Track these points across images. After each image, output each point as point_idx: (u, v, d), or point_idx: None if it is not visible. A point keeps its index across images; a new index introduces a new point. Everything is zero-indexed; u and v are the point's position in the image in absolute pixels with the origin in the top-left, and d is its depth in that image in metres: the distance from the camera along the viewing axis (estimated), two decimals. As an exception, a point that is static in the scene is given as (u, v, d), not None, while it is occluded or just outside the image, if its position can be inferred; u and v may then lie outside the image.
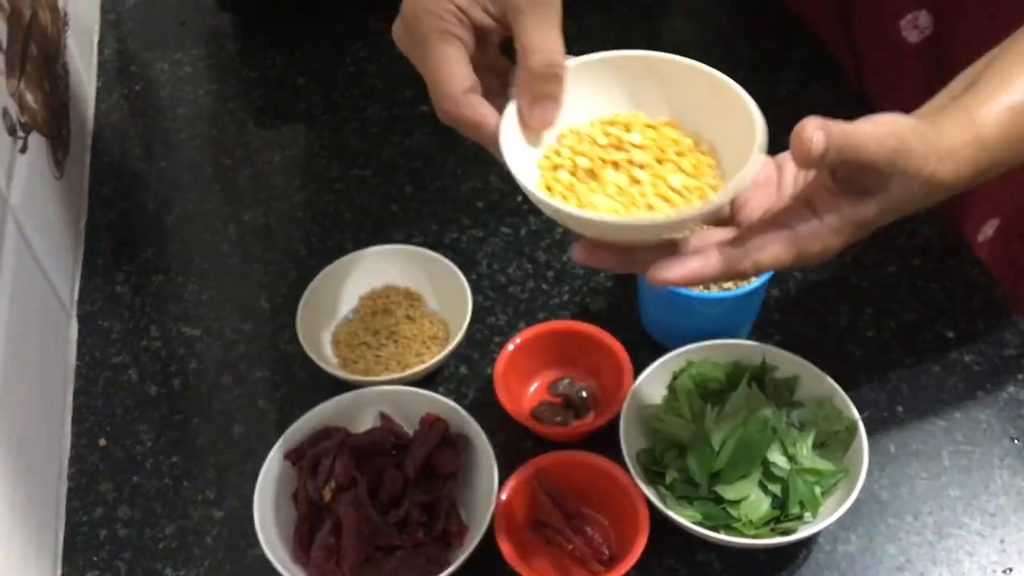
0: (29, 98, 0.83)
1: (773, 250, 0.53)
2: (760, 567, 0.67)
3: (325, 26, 1.10)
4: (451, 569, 0.64)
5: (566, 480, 0.69)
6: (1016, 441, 0.73)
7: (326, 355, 0.79)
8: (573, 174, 0.55)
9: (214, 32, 1.12)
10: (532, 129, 0.56)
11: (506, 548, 0.65)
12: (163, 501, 0.73)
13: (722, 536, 0.65)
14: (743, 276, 0.54)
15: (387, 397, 0.73)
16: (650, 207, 0.53)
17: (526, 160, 0.56)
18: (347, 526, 0.66)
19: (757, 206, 0.56)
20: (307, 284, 0.80)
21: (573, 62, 0.57)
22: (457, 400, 0.77)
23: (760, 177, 0.57)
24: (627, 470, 0.67)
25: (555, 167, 0.56)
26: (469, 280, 0.80)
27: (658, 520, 0.65)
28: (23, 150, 0.80)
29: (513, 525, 0.67)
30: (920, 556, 0.67)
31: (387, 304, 0.82)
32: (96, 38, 1.12)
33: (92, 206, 0.94)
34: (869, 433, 0.68)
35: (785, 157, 0.57)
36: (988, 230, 0.90)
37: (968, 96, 0.55)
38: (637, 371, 0.72)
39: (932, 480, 0.71)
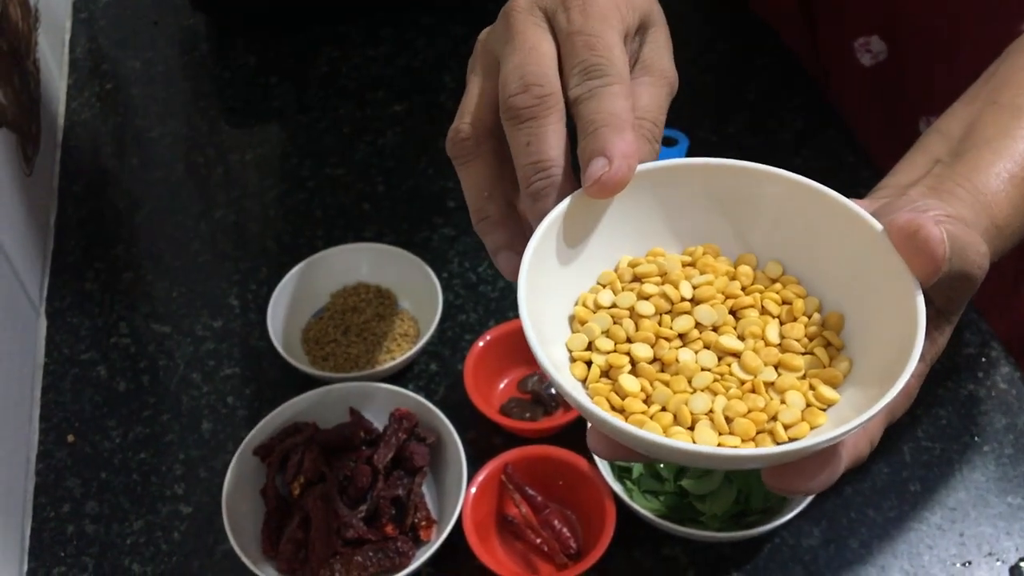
0: (-1, 94, 0.82)
1: (876, 421, 0.41)
2: (725, 561, 0.68)
3: (298, 26, 1.10)
4: (419, 563, 0.65)
5: (534, 474, 0.69)
6: (976, 438, 0.74)
7: (296, 352, 0.79)
8: (636, 373, 0.39)
9: (187, 32, 1.12)
10: (604, 184, 0.41)
11: (474, 542, 0.65)
12: (131, 497, 0.73)
13: (687, 530, 0.65)
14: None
15: (357, 392, 0.74)
16: (771, 387, 0.39)
17: (558, 328, 0.41)
18: (315, 520, 0.67)
19: None
20: (278, 281, 0.80)
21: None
22: (427, 397, 0.77)
23: None
24: (595, 465, 0.68)
25: (608, 369, 0.40)
26: (440, 278, 0.81)
27: (624, 514, 0.66)
28: (-8, 145, 0.79)
29: (481, 519, 0.68)
30: (881, 549, 0.68)
31: (358, 302, 0.83)
32: (68, 36, 1.12)
33: (62, 203, 0.94)
34: (832, 429, 0.69)
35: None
36: None
37: (966, 167, 0.47)
38: (605, 368, 0.73)
39: (893, 475, 0.72)
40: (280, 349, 0.77)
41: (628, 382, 0.39)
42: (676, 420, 0.38)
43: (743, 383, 0.39)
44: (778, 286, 0.42)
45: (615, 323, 0.41)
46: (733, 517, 0.67)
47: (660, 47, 0.48)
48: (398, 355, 0.78)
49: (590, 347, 0.41)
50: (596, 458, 0.68)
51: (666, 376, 0.39)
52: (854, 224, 0.40)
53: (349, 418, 0.73)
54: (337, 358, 0.79)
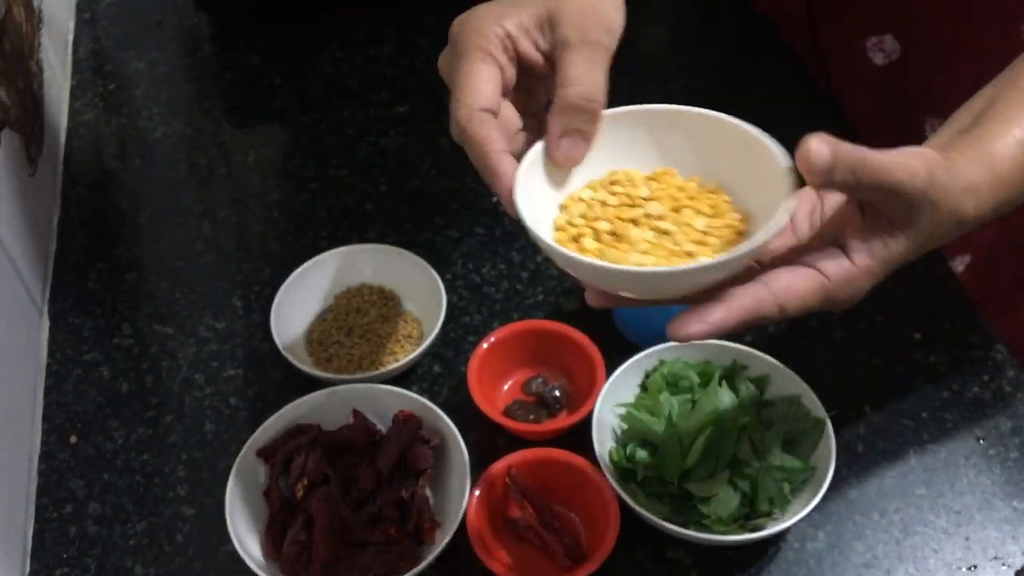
0: (2, 94, 0.82)
1: (800, 292, 0.50)
2: (729, 564, 0.68)
3: (301, 27, 1.10)
4: (422, 566, 0.64)
5: (538, 477, 0.69)
6: (981, 441, 0.74)
7: (300, 353, 0.79)
8: (598, 240, 0.53)
9: (190, 32, 1.11)
10: (557, 164, 0.54)
11: (478, 545, 0.65)
12: (134, 498, 0.73)
13: (692, 532, 0.65)
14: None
15: (360, 395, 0.74)
16: (690, 255, 0.51)
17: (543, 216, 0.54)
18: (319, 522, 0.66)
19: (774, 248, 0.53)
20: (281, 282, 0.80)
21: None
22: (431, 398, 0.77)
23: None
24: (599, 467, 0.67)
25: (577, 236, 0.53)
26: (444, 280, 0.80)
27: (628, 517, 0.66)
28: (-5, 146, 0.79)
29: (486, 522, 0.67)
30: (887, 553, 0.68)
31: (361, 303, 0.83)
32: (71, 37, 1.12)
33: (65, 203, 0.94)
34: (837, 432, 0.68)
35: (799, 194, 0.53)
36: (959, 265, 0.91)
37: (979, 130, 0.54)
38: (610, 370, 0.73)
39: (899, 479, 0.72)
40: (283, 350, 0.77)
41: (588, 243, 0.53)
42: None
43: (672, 252, 0.52)
44: (711, 195, 0.55)
45: (588, 208, 0.55)
46: (737, 520, 0.67)
47: (570, 22, 0.54)
48: (402, 357, 0.78)
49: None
50: (600, 462, 0.68)
51: (616, 243, 0.53)
52: (763, 151, 0.54)
53: (352, 420, 0.73)
54: (340, 360, 0.79)
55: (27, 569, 0.70)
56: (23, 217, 0.84)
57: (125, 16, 1.14)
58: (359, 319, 0.81)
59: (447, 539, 0.65)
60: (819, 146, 0.48)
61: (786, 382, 0.71)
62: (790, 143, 0.95)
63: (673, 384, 0.72)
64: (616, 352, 0.75)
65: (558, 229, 0.54)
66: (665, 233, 0.53)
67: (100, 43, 1.11)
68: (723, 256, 0.49)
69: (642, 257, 0.51)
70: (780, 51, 1.04)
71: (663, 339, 0.74)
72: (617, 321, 0.81)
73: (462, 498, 0.67)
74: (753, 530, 0.66)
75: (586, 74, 0.53)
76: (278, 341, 0.77)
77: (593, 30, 0.53)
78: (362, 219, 0.91)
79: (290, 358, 0.76)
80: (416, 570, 0.64)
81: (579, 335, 0.76)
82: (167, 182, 0.96)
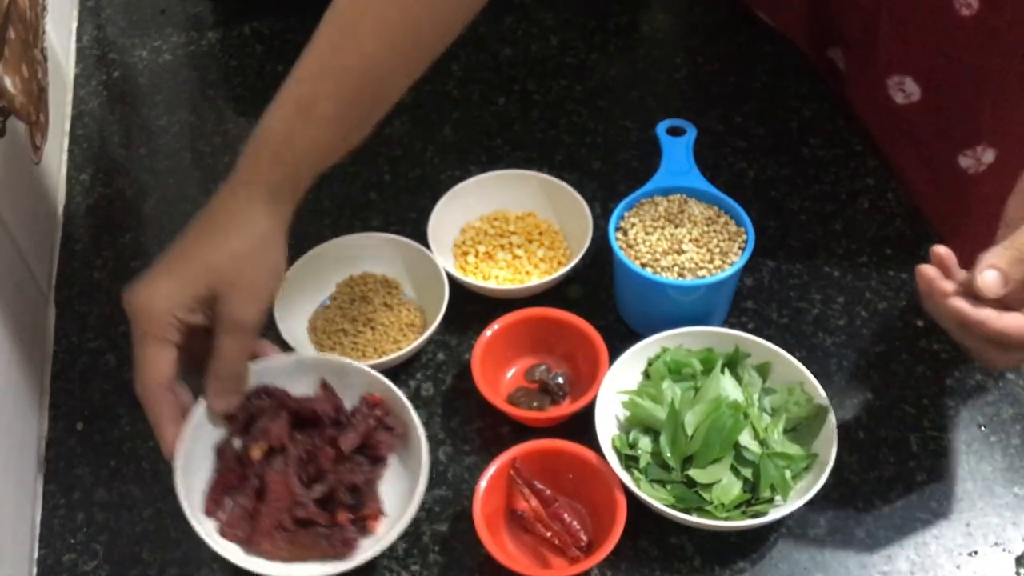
0: (7, 82, 0.82)
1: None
2: (731, 549, 0.68)
3: (305, 15, 1.10)
4: (364, 556, 0.64)
5: (543, 469, 0.70)
6: (983, 428, 0.74)
7: (303, 342, 0.80)
8: (477, 256, 0.84)
9: (194, 20, 1.11)
10: (216, 412, 0.67)
11: (485, 536, 0.65)
12: (140, 485, 0.74)
13: (694, 519, 0.66)
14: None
15: (330, 366, 0.72)
16: (528, 274, 0.83)
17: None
18: (273, 492, 0.66)
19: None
20: (285, 271, 0.80)
21: (480, 178, 0.87)
22: (434, 386, 0.78)
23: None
24: (602, 454, 0.68)
25: (465, 252, 0.85)
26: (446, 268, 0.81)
27: (631, 504, 0.66)
28: (1, 134, 0.79)
29: (491, 514, 0.68)
30: (887, 539, 0.69)
31: (364, 291, 0.83)
32: (75, 24, 1.12)
33: (70, 192, 0.94)
34: (839, 419, 0.69)
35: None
36: None
37: None
38: (612, 357, 0.73)
39: (900, 465, 0.72)
40: (287, 338, 0.77)
41: (470, 259, 0.83)
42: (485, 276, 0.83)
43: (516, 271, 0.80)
44: (554, 233, 0.84)
45: (476, 234, 0.85)
46: (739, 506, 0.67)
47: (232, 301, 0.64)
48: (405, 345, 0.78)
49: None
50: (603, 449, 0.68)
51: (488, 259, 0.83)
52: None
53: (320, 392, 0.71)
54: (344, 348, 0.79)
55: (35, 555, 0.70)
56: (29, 205, 0.84)
57: (129, 4, 1.14)
58: (362, 307, 0.82)
59: (395, 534, 0.64)
60: (989, 277, 0.56)
61: (788, 369, 0.72)
62: (793, 133, 0.96)
63: (676, 371, 0.73)
64: (619, 340, 0.75)
65: (456, 246, 0.85)
66: (517, 258, 0.84)
67: (104, 31, 1.11)
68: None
69: (501, 272, 0.83)
70: (784, 39, 1.03)
71: (665, 327, 0.74)
72: (620, 308, 0.81)
73: (414, 496, 0.65)
74: (755, 516, 0.66)
75: (236, 357, 0.65)
76: (282, 329, 0.77)
77: (252, 317, 0.64)
78: (365, 208, 0.91)
79: (293, 346, 0.76)
80: (353, 560, 0.64)
81: (582, 323, 0.76)
82: (171, 170, 0.96)
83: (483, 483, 0.68)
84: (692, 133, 0.85)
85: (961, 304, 0.57)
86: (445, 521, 0.71)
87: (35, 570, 0.70)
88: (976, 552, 0.68)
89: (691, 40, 1.08)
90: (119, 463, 0.75)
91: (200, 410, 0.66)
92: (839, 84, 0.97)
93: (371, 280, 0.84)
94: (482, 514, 0.66)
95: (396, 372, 0.78)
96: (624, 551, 0.68)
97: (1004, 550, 0.68)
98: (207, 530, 0.65)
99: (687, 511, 0.66)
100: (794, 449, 0.68)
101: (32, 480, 0.74)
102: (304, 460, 0.68)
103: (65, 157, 0.98)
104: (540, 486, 0.69)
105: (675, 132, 0.86)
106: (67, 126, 1.00)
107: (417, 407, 0.76)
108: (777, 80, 1.00)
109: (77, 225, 0.92)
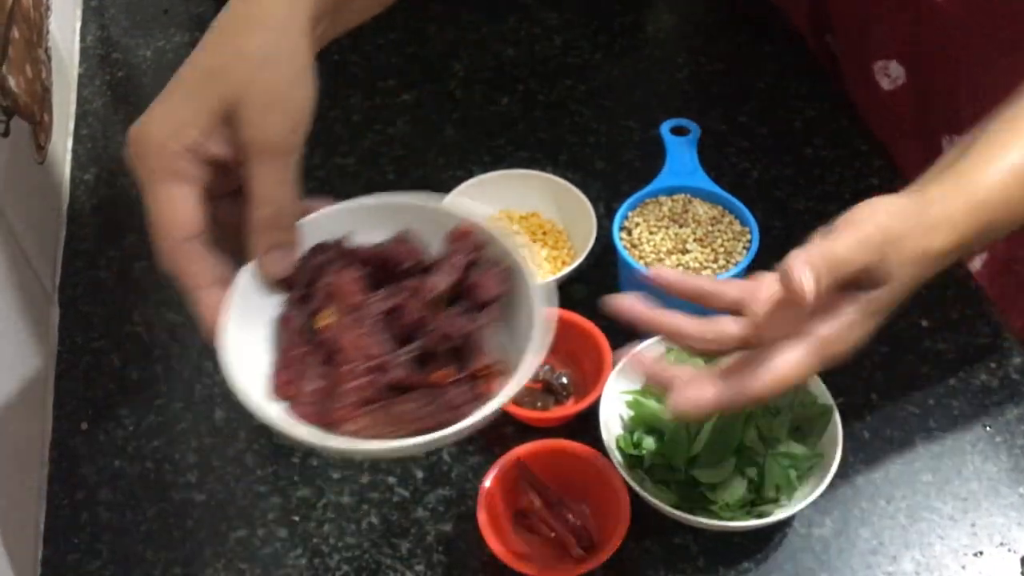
0: (11, 82, 0.82)
1: (794, 357, 0.52)
2: (736, 550, 0.68)
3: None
4: (475, 419, 0.50)
5: (548, 469, 0.69)
6: (988, 428, 0.74)
7: (308, 341, 0.79)
8: None
9: (197, 19, 1.11)
10: (270, 278, 0.53)
11: (489, 536, 0.65)
12: (144, 485, 0.74)
13: (699, 519, 0.66)
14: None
15: (406, 214, 0.57)
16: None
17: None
18: (350, 354, 0.52)
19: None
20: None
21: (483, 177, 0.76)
22: (438, 385, 0.77)
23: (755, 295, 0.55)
24: (606, 454, 0.68)
25: None
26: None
27: (635, 503, 0.66)
28: (5, 134, 0.80)
29: (496, 514, 0.68)
30: (893, 539, 0.68)
31: (369, 291, 0.83)
32: (79, 24, 1.12)
33: (74, 191, 0.94)
34: (844, 419, 0.69)
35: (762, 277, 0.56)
36: (976, 263, 0.91)
37: (962, 162, 0.56)
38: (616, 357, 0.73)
39: (905, 465, 0.72)
40: (292, 338, 0.77)
41: None
42: None
43: None
44: (557, 233, 0.80)
45: None
46: (744, 506, 0.67)
47: (252, 119, 0.50)
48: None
49: None
50: (607, 449, 0.68)
51: None
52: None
53: (391, 240, 0.57)
54: (348, 347, 0.79)
55: (39, 555, 0.70)
56: (33, 205, 0.84)
57: (132, 4, 1.14)
58: (367, 307, 0.82)
59: (512, 392, 0.51)
60: (806, 276, 0.49)
61: (793, 369, 0.71)
62: (797, 133, 0.96)
63: (680, 371, 0.73)
64: (623, 339, 0.75)
65: None
66: None
67: (107, 31, 1.12)
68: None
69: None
70: (787, 38, 1.03)
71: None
72: (624, 309, 0.81)
73: (531, 343, 0.52)
74: (760, 516, 0.66)
75: (274, 191, 0.51)
76: (287, 329, 0.77)
77: (278, 132, 0.51)
78: (370, 207, 0.91)
79: (299, 346, 0.76)
80: (467, 423, 0.50)
81: (586, 322, 0.76)
82: (175, 170, 0.96)
83: (487, 483, 0.68)
84: (696, 133, 0.85)
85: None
86: (449, 521, 0.71)
87: (39, 570, 0.70)
88: (981, 552, 0.68)
89: (695, 40, 1.08)
90: (123, 463, 0.75)
91: (245, 276, 0.53)
92: (838, 74, 0.98)
93: (375, 280, 0.84)
94: (486, 514, 0.66)
95: (400, 372, 0.78)
96: (628, 551, 0.68)
97: (1010, 550, 0.68)
98: (276, 414, 0.50)
99: (691, 511, 0.66)
100: (799, 449, 0.68)
101: (36, 480, 0.74)
102: (386, 318, 0.54)
103: (69, 157, 0.98)
104: (544, 486, 0.69)
105: (679, 132, 0.86)
106: (71, 126, 1.00)
107: (421, 407, 0.76)
108: (781, 80, 1.00)
109: (81, 225, 0.92)
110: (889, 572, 0.67)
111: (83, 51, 1.09)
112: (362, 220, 0.57)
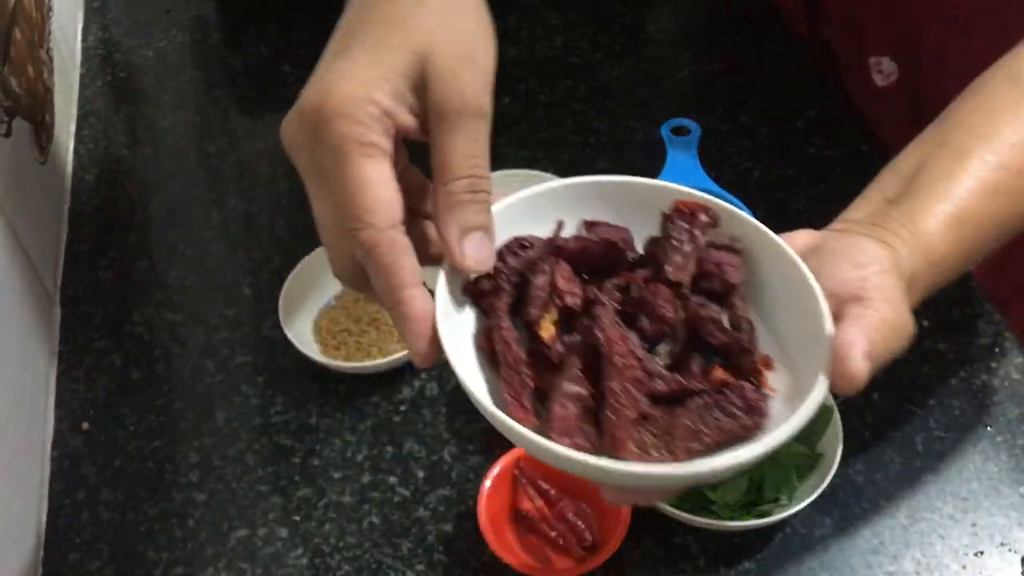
0: (13, 83, 0.83)
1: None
2: (736, 550, 0.68)
3: (310, 15, 1.10)
4: (788, 429, 0.41)
5: (547, 469, 0.69)
6: (988, 428, 0.74)
7: (308, 341, 0.80)
8: None
9: (198, 20, 1.12)
10: (469, 272, 0.45)
11: (490, 536, 0.65)
12: (145, 484, 0.74)
13: (699, 519, 0.65)
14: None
15: (597, 192, 0.49)
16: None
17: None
18: (613, 360, 0.43)
19: None
20: (290, 271, 0.81)
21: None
22: (439, 385, 0.78)
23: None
24: (606, 454, 0.68)
25: None
26: (452, 267, 0.81)
27: (636, 505, 0.66)
28: (7, 134, 0.80)
29: (496, 513, 0.68)
30: (893, 539, 0.68)
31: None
32: (80, 25, 1.12)
33: (76, 192, 0.95)
34: (844, 419, 0.69)
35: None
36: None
37: (910, 205, 0.52)
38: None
39: (906, 465, 0.72)
40: (292, 338, 0.77)
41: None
42: None
43: None
44: None
45: None
46: (745, 506, 0.67)
47: (444, 79, 0.43)
48: (410, 344, 0.78)
49: None
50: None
51: None
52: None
53: (591, 230, 0.49)
54: (349, 347, 0.79)
55: (41, 554, 0.71)
56: (34, 205, 0.84)
57: (134, 4, 1.14)
58: (367, 307, 0.82)
59: (824, 388, 0.43)
60: (858, 369, 0.44)
61: (793, 369, 0.72)
62: (798, 133, 0.96)
63: (681, 371, 0.73)
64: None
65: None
66: None
67: (109, 32, 1.12)
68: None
69: None
70: (789, 40, 1.03)
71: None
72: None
73: (819, 324, 0.44)
74: (760, 516, 0.66)
75: (470, 161, 0.44)
76: (286, 329, 0.78)
77: (473, 92, 0.43)
78: (371, 207, 0.91)
79: (298, 346, 0.77)
80: (778, 435, 0.41)
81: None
82: (177, 171, 0.96)
83: (488, 483, 0.68)
84: (696, 133, 0.85)
85: None
86: (450, 521, 0.71)
87: (41, 570, 0.70)
88: (982, 552, 0.68)
89: (696, 40, 1.08)
90: (124, 463, 0.75)
91: (441, 284, 0.44)
92: (838, 71, 0.98)
93: (376, 280, 0.84)
94: (487, 514, 0.66)
95: (401, 372, 0.78)
96: (629, 551, 0.68)
97: (1010, 550, 0.68)
98: (558, 446, 0.41)
99: (692, 511, 0.66)
100: (799, 449, 0.68)
101: (38, 480, 0.74)
102: (627, 316, 0.45)
103: (71, 157, 0.98)
104: (545, 486, 0.69)
105: (680, 132, 0.86)
106: (73, 126, 1.01)
107: (421, 407, 0.77)
108: (782, 80, 1.00)
109: (83, 225, 0.92)
110: (890, 572, 0.67)
111: (85, 52, 1.09)
112: (548, 208, 0.48)
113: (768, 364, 0.45)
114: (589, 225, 0.48)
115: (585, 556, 0.66)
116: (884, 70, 0.87)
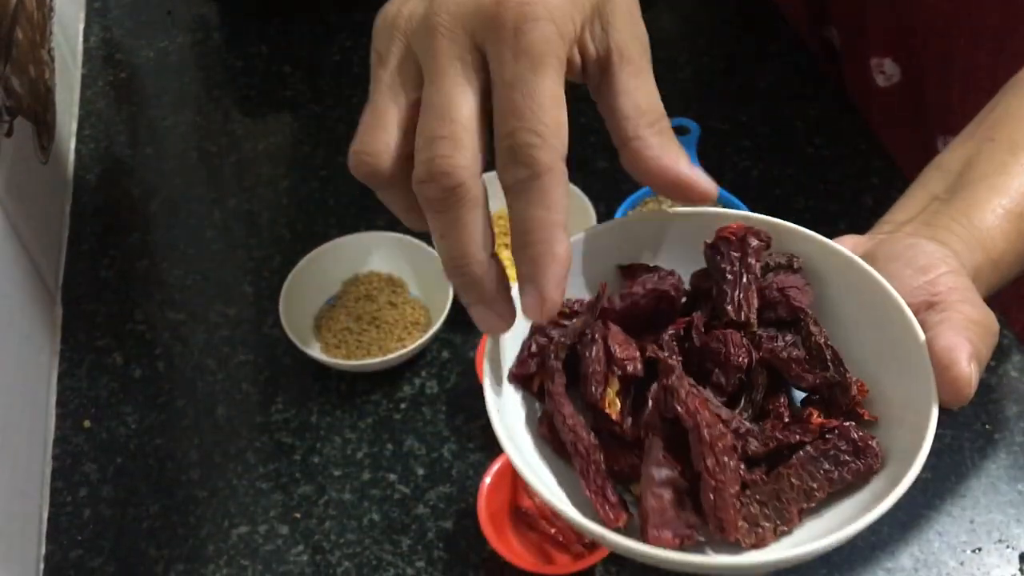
0: (15, 83, 0.83)
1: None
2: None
3: (311, 15, 1.10)
4: (917, 466, 0.39)
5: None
6: (987, 426, 0.74)
7: (309, 340, 0.80)
8: None
9: (200, 21, 1.12)
10: (702, 194, 0.41)
11: (489, 533, 0.66)
12: (147, 481, 0.74)
13: (698, 516, 0.66)
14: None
15: (624, 235, 0.46)
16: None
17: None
18: (702, 434, 0.38)
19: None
20: (291, 269, 0.81)
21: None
22: (439, 383, 0.78)
23: None
24: (605, 451, 0.68)
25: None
26: (452, 266, 0.81)
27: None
28: (8, 134, 0.80)
29: (496, 510, 0.68)
30: (891, 536, 0.69)
31: (369, 290, 0.83)
32: (81, 25, 1.12)
33: (77, 191, 0.95)
34: (843, 416, 0.69)
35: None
36: None
37: (964, 202, 0.49)
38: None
39: (904, 463, 0.72)
40: (292, 337, 0.77)
41: None
42: None
43: None
44: None
45: None
46: (744, 503, 0.67)
47: (627, 22, 0.42)
48: (410, 343, 0.79)
49: None
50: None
51: None
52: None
53: (632, 281, 0.45)
54: (349, 346, 0.80)
55: (42, 551, 0.71)
56: (36, 205, 0.85)
57: (135, 5, 1.14)
58: (367, 306, 0.82)
59: (932, 421, 0.39)
60: (968, 373, 0.40)
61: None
62: (798, 133, 0.96)
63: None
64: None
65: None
66: None
67: (110, 32, 1.12)
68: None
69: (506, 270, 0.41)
70: (789, 39, 1.04)
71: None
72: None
73: (904, 331, 0.41)
74: (759, 513, 0.66)
75: (658, 99, 0.42)
76: (287, 327, 0.78)
77: (646, 37, 0.43)
78: (371, 207, 0.91)
79: (299, 344, 0.77)
80: (911, 475, 0.39)
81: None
82: (178, 170, 0.97)
83: (487, 480, 0.68)
84: (696, 132, 0.85)
85: None
86: (450, 518, 0.71)
87: (42, 566, 0.70)
88: (980, 549, 0.68)
89: (695, 40, 1.08)
90: (125, 460, 0.76)
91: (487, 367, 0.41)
92: (838, 71, 0.98)
93: (376, 279, 0.84)
94: (486, 511, 0.67)
95: (401, 370, 0.78)
96: (628, 548, 0.68)
97: (1008, 546, 0.68)
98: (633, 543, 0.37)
99: (691, 508, 0.66)
100: (798, 446, 0.68)
101: (39, 477, 0.74)
102: (690, 371, 0.42)
103: (72, 157, 0.98)
104: (544, 483, 0.69)
105: (679, 131, 0.87)
106: (74, 126, 1.01)
107: (421, 405, 0.77)
108: (782, 79, 1.01)
109: (84, 224, 0.92)
110: (888, 568, 0.67)
111: (86, 52, 1.09)
112: (575, 263, 0.44)
113: (863, 391, 0.41)
114: (627, 272, 0.45)
115: (584, 552, 0.66)
116: (886, 71, 0.87)
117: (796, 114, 0.97)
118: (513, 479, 0.69)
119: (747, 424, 0.40)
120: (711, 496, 0.38)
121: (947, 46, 0.81)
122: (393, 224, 0.88)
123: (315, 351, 0.78)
